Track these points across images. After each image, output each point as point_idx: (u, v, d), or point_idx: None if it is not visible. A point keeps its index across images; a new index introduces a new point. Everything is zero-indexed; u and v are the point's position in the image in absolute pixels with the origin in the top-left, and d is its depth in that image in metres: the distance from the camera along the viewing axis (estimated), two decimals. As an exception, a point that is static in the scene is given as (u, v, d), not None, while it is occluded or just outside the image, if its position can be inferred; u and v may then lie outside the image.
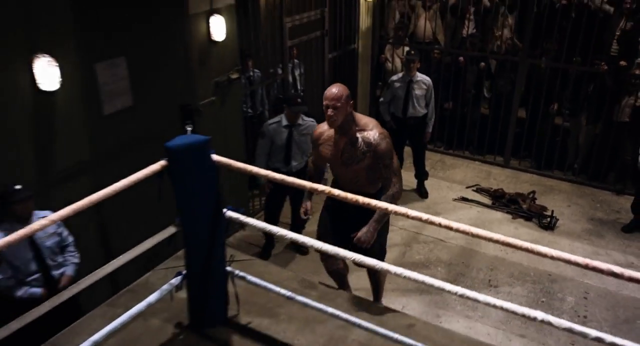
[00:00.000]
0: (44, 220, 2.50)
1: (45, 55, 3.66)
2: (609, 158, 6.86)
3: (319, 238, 3.89)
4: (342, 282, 4.25)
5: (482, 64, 7.43)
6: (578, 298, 5.12)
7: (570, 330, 2.50)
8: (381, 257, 3.96)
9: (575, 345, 4.60)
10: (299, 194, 5.54)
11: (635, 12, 6.81)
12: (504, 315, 4.94)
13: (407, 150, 6.94)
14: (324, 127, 3.72)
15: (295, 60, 6.66)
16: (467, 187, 7.00)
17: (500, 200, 6.62)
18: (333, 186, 3.88)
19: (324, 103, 3.45)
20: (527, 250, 2.42)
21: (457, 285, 5.14)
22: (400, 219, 6.29)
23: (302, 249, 5.75)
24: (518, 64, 7.13)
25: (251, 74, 6.09)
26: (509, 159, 7.59)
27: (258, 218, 6.04)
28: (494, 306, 2.58)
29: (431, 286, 2.62)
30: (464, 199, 6.71)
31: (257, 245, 5.82)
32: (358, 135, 3.53)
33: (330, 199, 3.81)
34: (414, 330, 3.35)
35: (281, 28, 6.10)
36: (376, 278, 4.35)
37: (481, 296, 2.68)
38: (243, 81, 5.81)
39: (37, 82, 3.69)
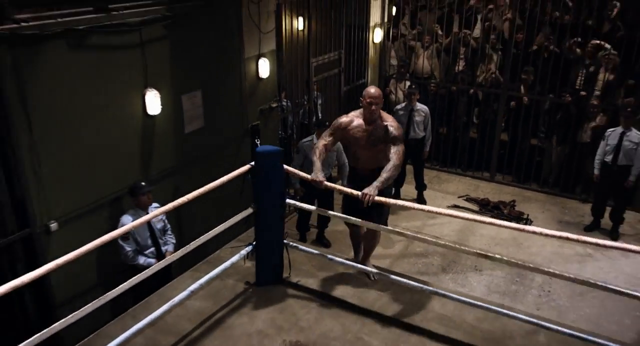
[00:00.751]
0: (159, 209, 3.92)
1: (153, 89, 5.14)
2: (575, 173, 8.30)
3: (343, 211, 5.07)
4: (357, 245, 5.43)
5: (472, 90, 8.90)
6: (544, 279, 6.50)
7: (517, 265, 3.92)
8: (382, 218, 5.00)
9: (540, 310, 5.97)
10: (325, 198, 6.97)
11: (594, 53, 8.30)
12: (486, 291, 6.33)
13: (409, 168, 8.37)
14: (348, 119, 4.82)
15: (317, 93, 8.15)
16: (459, 197, 8.42)
17: (486, 207, 8.05)
18: (352, 165, 5.05)
19: (368, 100, 4.62)
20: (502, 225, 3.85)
21: (449, 270, 6.58)
22: (403, 220, 7.72)
23: (325, 243, 7.12)
24: (500, 95, 8.63)
25: (284, 103, 7.54)
26: (494, 174, 9.04)
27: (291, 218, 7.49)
28: (472, 252, 3.99)
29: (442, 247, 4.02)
30: (456, 206, 8.13)
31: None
32: (383, 123, 4.71)
33: (351, 179, 5.08)
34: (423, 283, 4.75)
35: (308, 67, 7.60)
36: (370, 241, 5.30)
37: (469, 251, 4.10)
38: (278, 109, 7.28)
39: (146, 108, 5.15)
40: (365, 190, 4.27)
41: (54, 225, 4.58)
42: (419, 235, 4.34)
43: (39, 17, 4.18)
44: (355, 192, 4.31)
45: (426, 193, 8.38)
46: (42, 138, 4.34)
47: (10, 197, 4.31)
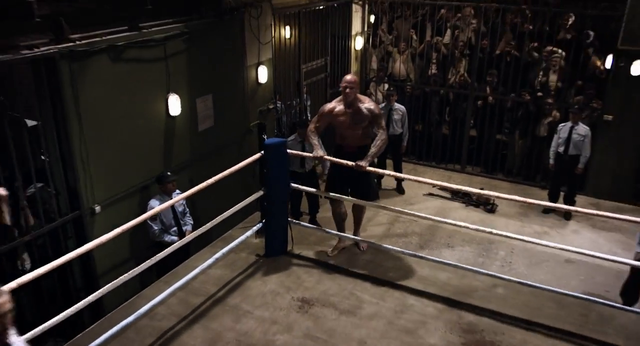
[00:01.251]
0: (180, 195, 4.87)
1: (174, 93, 6.09)
2: (536, 163, 9.40)
3: (327, 188, 5.98)
4: (341, 224, 6.20)
5: (437, 99, 9.97)
6: (507, 253, 7.55)
7: (477, 230, 4.94)
8: (370, 193, 5.88)
9: (505, 267, 7.01)
10: (311, 187, 7.90)
11: (549, 57, 9.40)
12: (457, 262, 7.36)
13: (389, 161, 9.39)
14: (331, 105, 5.59)
15: (307, 95, 9.14)
16: (433, 186, 9.45)
17: (457, 194, 9.09)
18: (339, 143, 5.76)
19: (343, 85, 5.41)
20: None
21: (426, 247, 7.56)
22: (384, 205, 8.72)
23: (317, 224, 8.03)
24: (468, 95, 9.70)
25: (278, 105, 8.51)
26: (465, 166, 10.11)
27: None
28: (450, 223, 5.01)
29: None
30: (431, 194, 9.17)
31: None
32: (361, 105, 5.50)
33: (339, 156, 5.68)
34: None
35: (299, 72, 8.60)
36: (359, 214, 6.21)
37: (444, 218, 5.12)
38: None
39: (169, 110, 6.10)
40: (359, 162, 5.22)
41: (97, 208, 5.50)
42: (405, 211, 5.35)
43: (88, 36, 5.11)
44: (349, 162, 5.26)
45: (404, 184, 9.38)
46: (89, 136, 5.27)
47: (66, 185, 5.23)
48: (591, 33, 8.87)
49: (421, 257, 5.39)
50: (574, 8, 9.11)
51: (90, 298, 4.18)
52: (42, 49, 4.65)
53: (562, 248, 4.92)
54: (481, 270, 5.21)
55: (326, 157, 5.46)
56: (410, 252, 5.50)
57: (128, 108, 5.67)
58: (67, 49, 4.84)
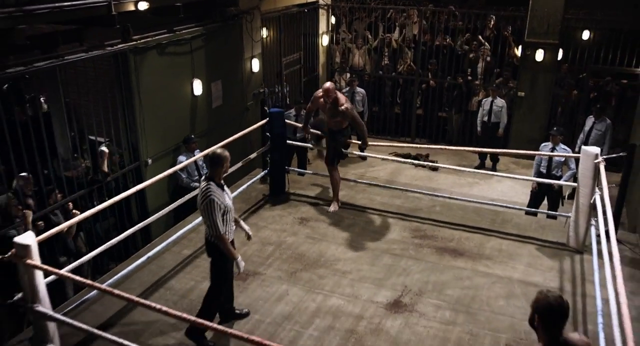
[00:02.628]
0: (200, 153, 7.04)
1: (197, 79, 8.24)
2: (469, 133, 11.85)
3: (327, 161, 7.99)
4: (337, 187, 8.31)
5: (389, 84, 12.35)
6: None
7: (425, 166, 7.26)
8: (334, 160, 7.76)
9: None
10: (302, 153, 10.09)
11: (477, 49, 11.87)
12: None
13: (354, 137, 11.65)
14: (319, 93, 7.19)
15: (285, 83, 11.36)
16: (389, 154, 11.79)
17: (409, 158, 11.46)
18: (328, 126, 7.56)
19: (321, 94, 7.14)
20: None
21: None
22: (351, 169, 11.02)
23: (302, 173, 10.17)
24: (414, 81, 12.09)
25: (265, 90, 10.68)
26: (414, 138, 12.50)
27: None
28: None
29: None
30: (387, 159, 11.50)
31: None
32: (339, 106, 7.17)
33: (326, 132, 7.69)
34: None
35: (280, 64, 10.82)
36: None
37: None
38: (262, 94, 10.43)
39: (194, 91, 8.24)
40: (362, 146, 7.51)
41: (150, 161, 7.61)
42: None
43: (143, 37, 7.22)
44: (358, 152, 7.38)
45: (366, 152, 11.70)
46: (145, 108, 7.37)
47: (130, 143, 7.33)
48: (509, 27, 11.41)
49: (382, 186, 7.68)
50: (489, 10, 11.63)
51: (141, 224, 6.08)
52: (119, 46, 6.75)
53: (496, 174, 7.24)
54: (424, 191, 7.53)
55: (312, 131, 7.59)
56: (373, 182, 7.79)
57: (168, 89, 7.79)
58: (133, 47, 6.95)
